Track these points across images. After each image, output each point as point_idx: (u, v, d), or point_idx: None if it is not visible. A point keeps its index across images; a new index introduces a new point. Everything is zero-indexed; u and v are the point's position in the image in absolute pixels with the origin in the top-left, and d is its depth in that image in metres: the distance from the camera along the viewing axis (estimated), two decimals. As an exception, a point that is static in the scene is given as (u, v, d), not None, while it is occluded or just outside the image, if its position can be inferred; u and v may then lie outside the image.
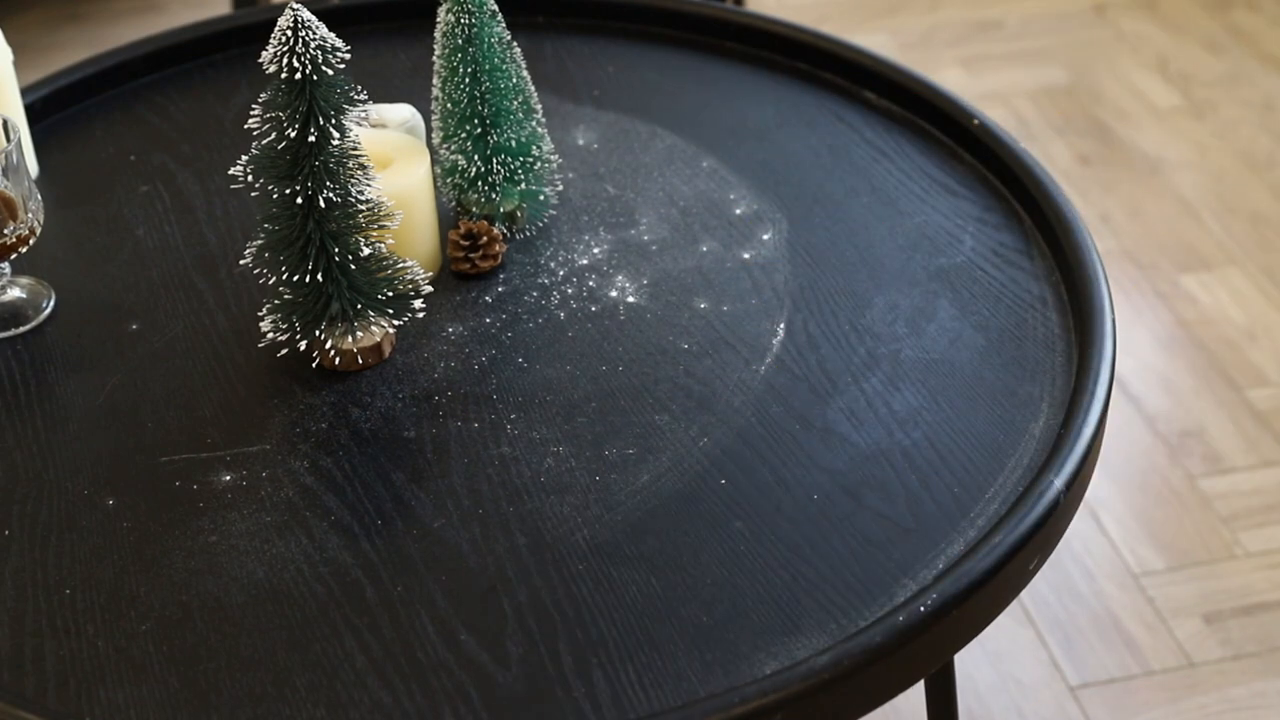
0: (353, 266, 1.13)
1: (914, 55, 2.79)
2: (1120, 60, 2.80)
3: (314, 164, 1.09)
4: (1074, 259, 1.22)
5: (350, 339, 1.15)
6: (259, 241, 1.13)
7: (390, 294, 1.14)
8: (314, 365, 1.17)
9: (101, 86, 1.50)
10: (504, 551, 1.03)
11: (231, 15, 1.57)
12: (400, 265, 1.14)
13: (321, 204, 1.10)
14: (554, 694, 0.95)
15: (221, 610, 1.00)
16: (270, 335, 1.15)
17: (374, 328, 1.16)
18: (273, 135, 1.09)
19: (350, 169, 1.11)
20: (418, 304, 1.15)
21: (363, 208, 1.12)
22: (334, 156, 1.10)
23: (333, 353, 1.15)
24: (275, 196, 1.11)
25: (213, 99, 1.49)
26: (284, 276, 1.13)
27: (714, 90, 1.48)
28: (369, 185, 1.12)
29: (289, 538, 1.05)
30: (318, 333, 1.15)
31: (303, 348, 1.16)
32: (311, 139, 1.08)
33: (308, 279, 1.12)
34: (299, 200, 1.10)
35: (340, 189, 1.10)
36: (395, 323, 1.17)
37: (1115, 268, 2.31)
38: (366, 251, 1.13)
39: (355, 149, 1.10)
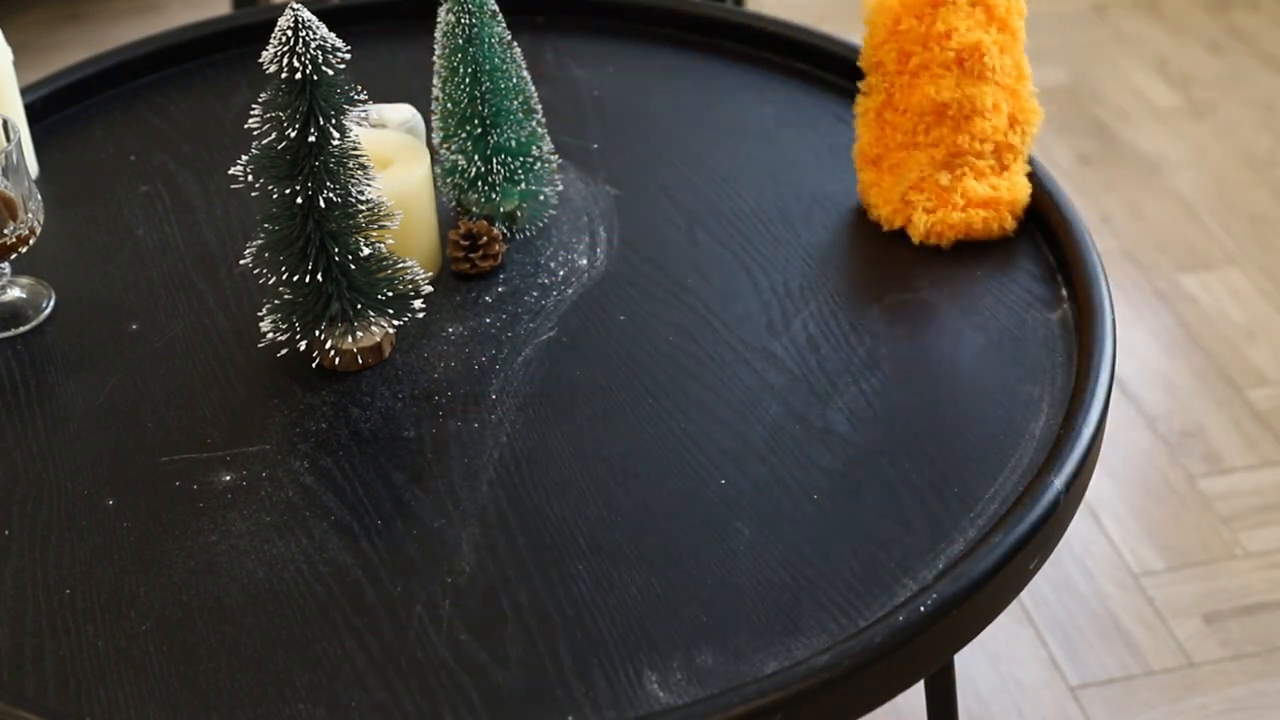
0: (353, 266, 1.13)
1: (914, 55, 2.78)
2: (1120, 60, 2.80)
3: (314, 164, 1.09)
4: (1074, 259, 1.22)
5: (350, 339, 1.15)
6: (259, 241, 1.13)
7: (390, 294, 1.14)
8: (314, 365, 1.17)
9: (101, 86, 1.50)
10: (504, 551, 1.03)
11: (231, 15, 1.57)
12: (400, 265, 1.14)
13: (321, 204, 1.10)
14: (554, 694, 0.95)
15: (221, 610, 1.00)
16: (270, 335, 1.15)
17: (374, 328, 1.16)
18: (273, 135, 1.09)
19: (350, 169, 1.11)
20: (418, 304, 1.15)
21: (363, 208, 1.12)
22: (334, 156, 1.10)
23: (333, 353, 1.15)
24: (275, 196, 1.11)
25: (213, 99, 1.49)
26: (284, 276, 1.13)
27: (714, 90, 1.48)
28: (369, 185, 1.12)
29: (289, 538, 1.05)
30: (318, 333, 1.15)
31: (303, 348, 1.16)
32: (311, 139, 1.08)
33: (308, 279, 1.12)
34: (299, 200, 1.10)
35: (340, 189, 1.10)
36: (395, 323, 1.17)
37: (1115, 268, 2.31)
38: (366, 251, 1.13)
39: (355, 149, 1.10)
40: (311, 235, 1.11)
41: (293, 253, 1.12)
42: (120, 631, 0.99)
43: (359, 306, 1.14)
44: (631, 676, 0.96)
